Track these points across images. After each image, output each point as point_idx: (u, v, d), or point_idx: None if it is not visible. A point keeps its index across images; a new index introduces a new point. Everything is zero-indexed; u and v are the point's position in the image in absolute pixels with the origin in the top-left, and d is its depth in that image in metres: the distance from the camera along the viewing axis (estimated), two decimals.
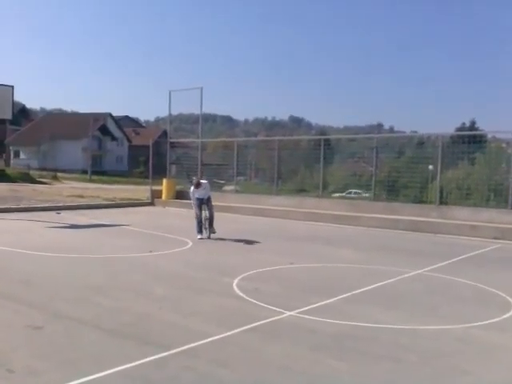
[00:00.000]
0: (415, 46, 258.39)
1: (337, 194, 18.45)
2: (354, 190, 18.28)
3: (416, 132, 42.67)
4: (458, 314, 5.77)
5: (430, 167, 16.48)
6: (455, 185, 16.54)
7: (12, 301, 5.66)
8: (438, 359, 4.32)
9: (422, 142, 20.42)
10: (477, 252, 10.50)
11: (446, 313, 5.81)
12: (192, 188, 11.30)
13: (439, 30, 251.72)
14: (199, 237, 10.86)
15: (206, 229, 11.06)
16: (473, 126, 53.52)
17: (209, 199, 11.25)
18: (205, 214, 11.10)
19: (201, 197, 11.15)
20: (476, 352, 4.58)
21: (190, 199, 11.79)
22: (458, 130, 44.62)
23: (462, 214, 13.92)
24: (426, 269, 8.26)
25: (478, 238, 12.28)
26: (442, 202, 15.01)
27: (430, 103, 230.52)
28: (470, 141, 16.11)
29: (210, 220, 11.09)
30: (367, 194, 18.63)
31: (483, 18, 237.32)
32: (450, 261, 9.21)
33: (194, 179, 11.56)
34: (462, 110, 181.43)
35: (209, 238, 10.93)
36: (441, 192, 15.05)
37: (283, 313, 5.42)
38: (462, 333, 5.04)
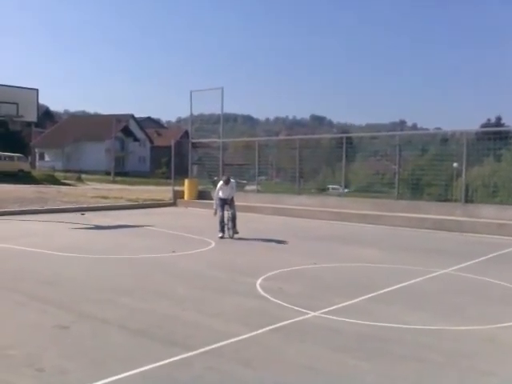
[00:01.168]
0: (439, 41, 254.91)
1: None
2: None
3: (440, 129, 42.17)
4: (484, 314, 5.68)
5: (455, 165, 16.22)
6: (481, 182, 16.26)
7: (39, 301, 5.77)
8: (463, 360, 4.25)
9: (445, 139, 20.14)
10: (504, 251, 10.31)
11: (471, 313, 5.72)
12: (220, 183, 11.32)
13: (462, 25, 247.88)
14: (220, 235, 10.92)
15: (228, 229, 11.10)
16: (498, 122, 52.68)
17: (232, 199, 11.30)
18: (227, 214, 11.14)
19: (224, 197, 11.19)
20: (502, 353, 4.50)
21: (212, 199, 11.75)
22: (483, 126, 43.95)
23: (488, 212, 13.68)
24: (452, 268, 8.14)
25: (505, 237, 12.06)
26: (468, 199, 14.77)
27: (454, 99, 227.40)
28: (495, 137, 15.82)
29: (233, 220, 11.12)
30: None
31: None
32: (476, 260, 9.07)
33: (223, 178, 11.50)
34: (487, 106, 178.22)
35: (231, 237, 10.97)
36: (466, 190, 14.81)
37: (307, 313, 5.41)
38: (487, 333, 4.95)
